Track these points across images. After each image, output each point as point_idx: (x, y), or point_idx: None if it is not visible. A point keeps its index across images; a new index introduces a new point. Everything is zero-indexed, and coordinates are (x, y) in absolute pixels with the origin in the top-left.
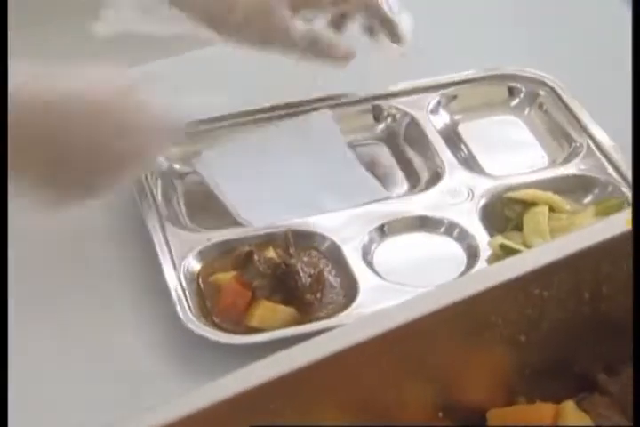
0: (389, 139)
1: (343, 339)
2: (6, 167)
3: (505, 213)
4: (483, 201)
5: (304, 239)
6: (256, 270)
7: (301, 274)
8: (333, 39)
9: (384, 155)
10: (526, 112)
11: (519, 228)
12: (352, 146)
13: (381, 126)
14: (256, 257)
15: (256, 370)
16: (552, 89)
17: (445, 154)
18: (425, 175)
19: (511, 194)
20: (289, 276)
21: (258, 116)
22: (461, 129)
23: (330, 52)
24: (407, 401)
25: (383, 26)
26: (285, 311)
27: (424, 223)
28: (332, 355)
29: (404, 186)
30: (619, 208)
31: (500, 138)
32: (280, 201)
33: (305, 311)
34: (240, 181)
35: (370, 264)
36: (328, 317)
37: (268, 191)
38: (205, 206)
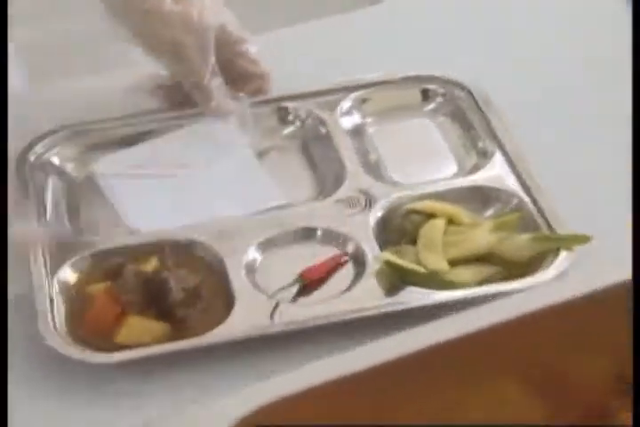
0: (299, 141)
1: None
2: (6, 171)
3: (403, 225)
4: (380, 212)
5: (187, 250)
6: (127, 284)
7: (174, 289)
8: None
9: (292, 158)
10: (441, 116)
11: (415, 241)
12: (259, 149)
13: (291, 129)
14: (128, 269)
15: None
16: (469, 93)
17: (352, 159)
18: (329, 181)
19: (411, 205)
20: (160, 290)
21: (163, 118)
22: (373, 133)
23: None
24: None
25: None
26: (156, 327)
27: (313, 235)
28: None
29: (308, 192)
30: (514, 224)
31: (413, 143)
32: (175, 207)
33: (178, 327)
34: (137, 186)
35: (252, 278)
36: (204, 332)
37: (164, 197)
38: (98, 211)
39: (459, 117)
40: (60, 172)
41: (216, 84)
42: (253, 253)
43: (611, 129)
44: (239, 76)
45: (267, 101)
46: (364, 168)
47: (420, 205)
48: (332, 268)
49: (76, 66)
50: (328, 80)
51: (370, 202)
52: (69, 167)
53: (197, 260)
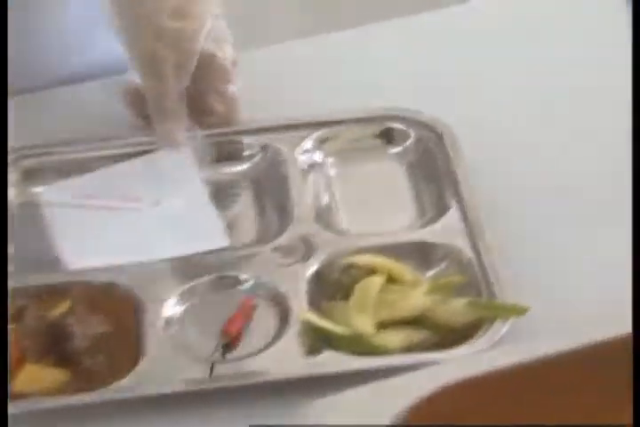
0: (252, 179)
1: None
2: (6, 173)
3: (341, 279)
4: (317, 264)
5: (105, 293)
6: (27, 328)
7: (77, 335)
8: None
9: (242, 197)
10: (407, 161)
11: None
12: (213, 184)
13: (246, 165)
14: (29, 313)
15: None
16: (440, 137)
17: (302, 203)
18: (274, 225)
19: (350, 259)
20: (62, 337)
21: (118, 145)
22: (333, 174)
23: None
24: None
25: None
26: (55, 376)
27: (241, 284)
28: None
29: (251, 235)
30: (453, 287)
31: (374, 188)
32: (115, 244)
33: (82, 376)
34: (80, 219)
35: (168, 328)
36: (108, 384)
37: (106, 232)
38: (30, 243)
39: (425, 163)
40: None
41: (177, 109)
42: (174, 301)
43: (582, 195)
44: (206, 110)
45: (223, 134)
46: (313, 213)
47: (360, 260)
48: (247, 315)
49: None
50: (291, 113)
51: (309, 252)
52: (10, 193)
53: (116, 304)
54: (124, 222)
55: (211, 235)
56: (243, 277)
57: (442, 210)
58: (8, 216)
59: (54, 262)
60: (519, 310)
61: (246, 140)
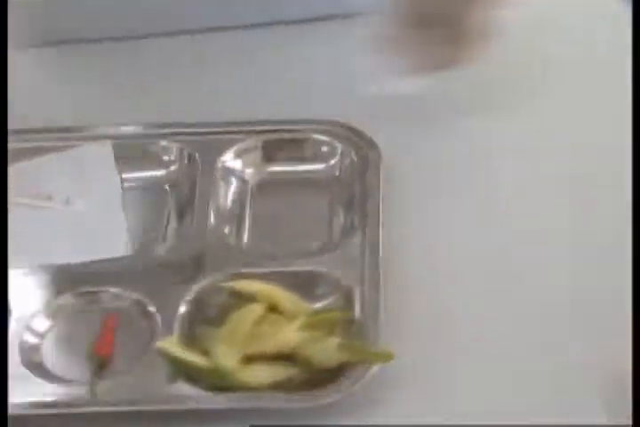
0: (169, 185)
1: None
2: (6, 168)
3: (223, 304)
4: (200, 286)
5: None
6: None
7: None
8: None
9: (155, 205)
10: (332, 179)
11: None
12: (127, 188)
13: (160, 171)
14: None
15: None
16: (365, 157)
17: (205, 216)
18: (171, 239)
19: (233, 284)
20: None
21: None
22: (251, 187)
23: None
24: None
25: None
26: None
27: (113, 300)
28: None
29: (150, 247)
30: (329, 323)
31: (290, 206)
32: (16, 247)
33: None
34: None
35: (32, 342)
36: None
37: (18, 231)
38: None
39: (346, 185)
40: None
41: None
42: (42, 315)
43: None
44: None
45: (142, 136)
46: (214, 229)
47: (242, 286)
48: (111, 331)
49: None
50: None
51: (196, 272)
52: None
53: None
54: (29, 221)
55: (113, 242)
56: (115, 291)
57: (347, 238)
58: None
59: None
60: (384, 356)
61: (165, 144)
